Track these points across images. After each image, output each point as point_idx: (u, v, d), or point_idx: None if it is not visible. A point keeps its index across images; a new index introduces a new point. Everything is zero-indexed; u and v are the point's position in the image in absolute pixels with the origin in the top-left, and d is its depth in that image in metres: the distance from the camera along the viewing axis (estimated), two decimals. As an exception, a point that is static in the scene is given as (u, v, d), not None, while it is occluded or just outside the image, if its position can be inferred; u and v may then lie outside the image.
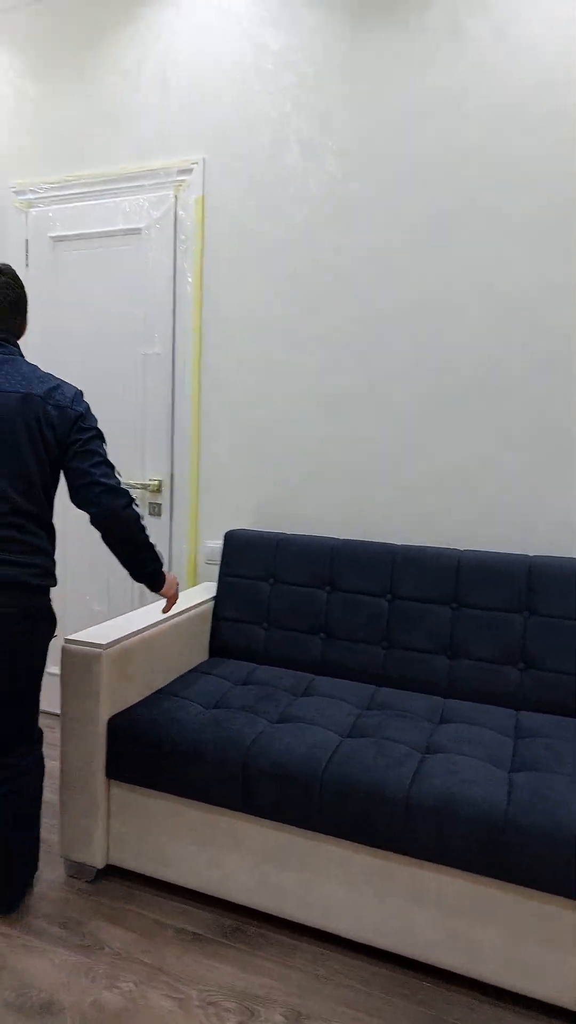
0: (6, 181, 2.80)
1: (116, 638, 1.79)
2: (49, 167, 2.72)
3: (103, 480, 1.59)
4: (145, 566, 1.70)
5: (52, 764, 2.45)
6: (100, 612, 2.76)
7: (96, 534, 2.57)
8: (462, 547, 2.24)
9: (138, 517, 1.65)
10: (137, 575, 1.71)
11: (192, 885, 1.76)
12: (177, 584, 1.83)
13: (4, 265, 1.70)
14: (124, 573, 2.68)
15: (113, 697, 1.80)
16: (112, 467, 1.65)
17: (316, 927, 1.66)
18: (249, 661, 2.23)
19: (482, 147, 2.11)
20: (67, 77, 2.67)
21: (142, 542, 1.67)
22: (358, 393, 2.31)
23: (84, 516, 2.66)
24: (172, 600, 1.84)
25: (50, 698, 2.84)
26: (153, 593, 2.36)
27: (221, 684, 2.02)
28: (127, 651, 1.83)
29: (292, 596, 2.22)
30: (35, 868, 1.78)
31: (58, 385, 1.63)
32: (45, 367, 2.77)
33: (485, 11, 2.08)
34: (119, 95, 2.58)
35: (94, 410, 2.68)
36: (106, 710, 1.77)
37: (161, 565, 1.74)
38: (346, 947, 1.67)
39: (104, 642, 1.75)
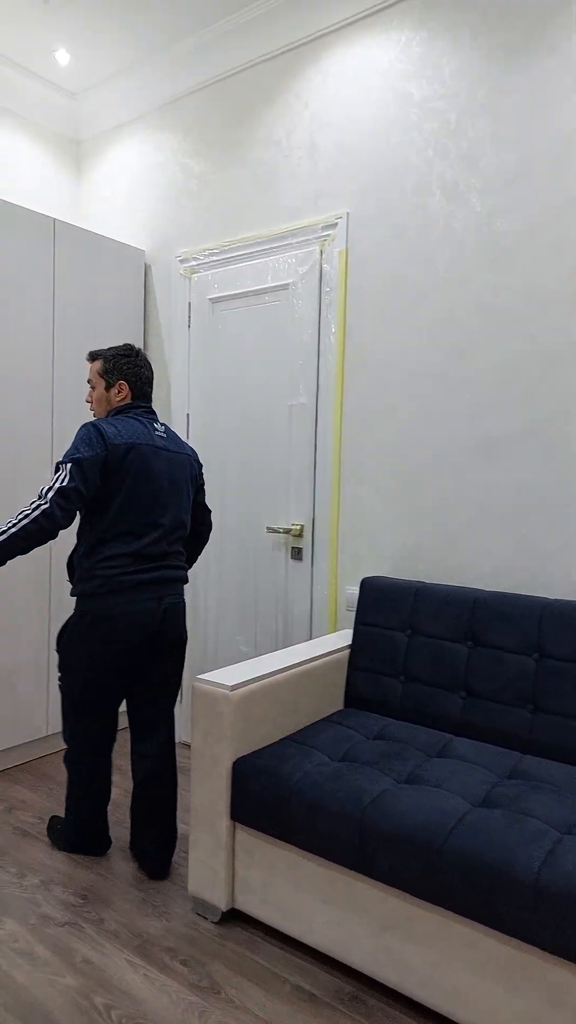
0: (173, 251, 3.08)
1: (243, 680, 1.83)
2: (209, 235, 2.96)
3: (208, 506, 2.28)
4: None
5: (186, 795, 2.54)
6: (246, 653, 2.84)
7: (253, 582, 2.79)
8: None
9: None
10: (190, 564, 2.34)
11: (312, 943, 1.72)
12: None
13: (137, 347, 2.15)
14: (270, 616, 2.75)
15: (239, 739, 1.83)
16: None
17: (442, 1013, 1.53)
18: (384, 715, 2.16)
19: None
20: (225, 153, 2.90)
21: None
22: (516, 436, 2.19)
23: (239, 565, 2.85)
24: None
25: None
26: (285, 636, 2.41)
27: (351, 736, 1.97)
28: (254, 694, 1.86)
29: (431, 649, 2.12)
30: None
31: (193, 450, 2.21)
32: (204, 420, 2.97)
33: None
34: (271, 164, 2.75)
35: (247, 457, 2.83)
36: (231, 752, 1.80)
37: None
38: (472, 1042, 1.52)
39: (231, 683, 1.79)
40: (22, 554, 1.84)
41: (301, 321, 2.63)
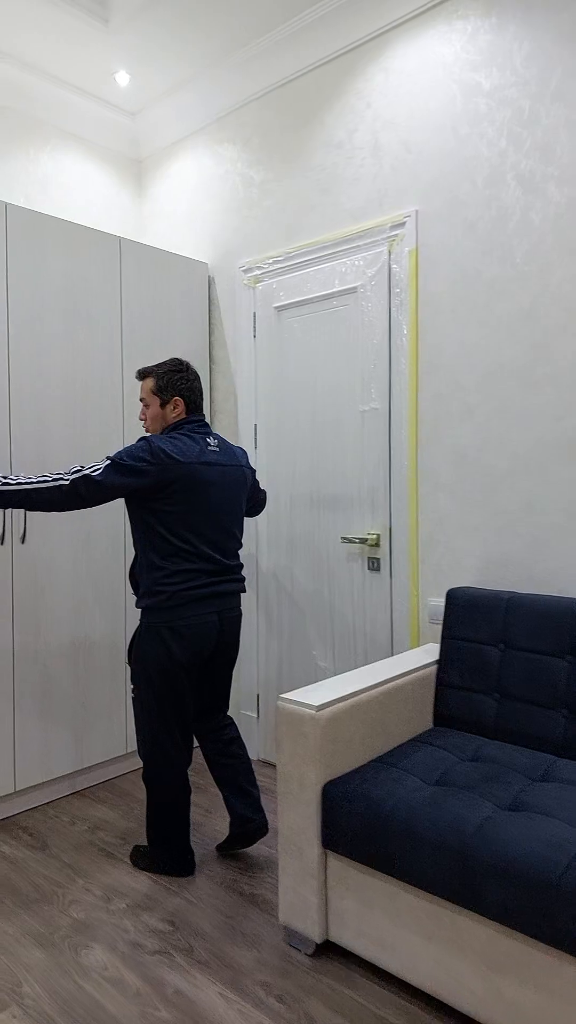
0: (236, 261, 3.05)
1: (330, 699, 1.75)
2: (272, 243, 2.91)
3: (262, 490, 2.45)
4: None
5: (272, 818, 2.47)
6: (325, 669, 2.75)
7: (328, 594, 2.72)
8: None
9: None
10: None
11: (415, 982, 1.61)
12: None
13: (185, 360, 2.19)
14: (347, 630, 2.66)
15: (327, 761, 1.74)
16: None
17: (560, 1064, 1.40)
18: (477, 734, 2.04)
19: None
20: (285, 159, 2.86)
21: None
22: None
23: (313, 577, 2.76)
24: None
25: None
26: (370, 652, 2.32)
27: (445, 758, 1.86)
28: (341, 713, 1.77)
29: (526, 664, 2.00)
30: None
31: (244, 452, 2.25)
32: (272, 430, 2.92)
33: None
34: (334, 166, 2.69)
35: (318, 466, 2.76)
36: (319, 774, 1.72)
37: None
38: None
39: (317, 703, 1.71)
40: (26, 510, 1.93)
41: (371, 324, 2.55)
